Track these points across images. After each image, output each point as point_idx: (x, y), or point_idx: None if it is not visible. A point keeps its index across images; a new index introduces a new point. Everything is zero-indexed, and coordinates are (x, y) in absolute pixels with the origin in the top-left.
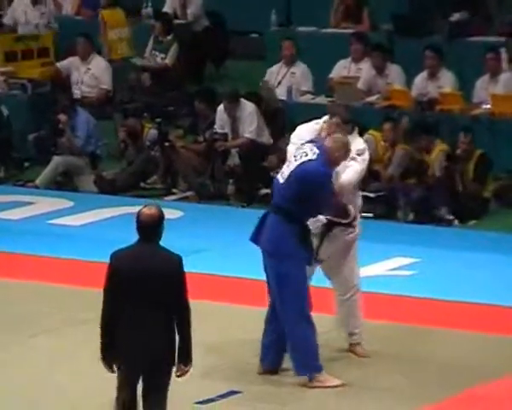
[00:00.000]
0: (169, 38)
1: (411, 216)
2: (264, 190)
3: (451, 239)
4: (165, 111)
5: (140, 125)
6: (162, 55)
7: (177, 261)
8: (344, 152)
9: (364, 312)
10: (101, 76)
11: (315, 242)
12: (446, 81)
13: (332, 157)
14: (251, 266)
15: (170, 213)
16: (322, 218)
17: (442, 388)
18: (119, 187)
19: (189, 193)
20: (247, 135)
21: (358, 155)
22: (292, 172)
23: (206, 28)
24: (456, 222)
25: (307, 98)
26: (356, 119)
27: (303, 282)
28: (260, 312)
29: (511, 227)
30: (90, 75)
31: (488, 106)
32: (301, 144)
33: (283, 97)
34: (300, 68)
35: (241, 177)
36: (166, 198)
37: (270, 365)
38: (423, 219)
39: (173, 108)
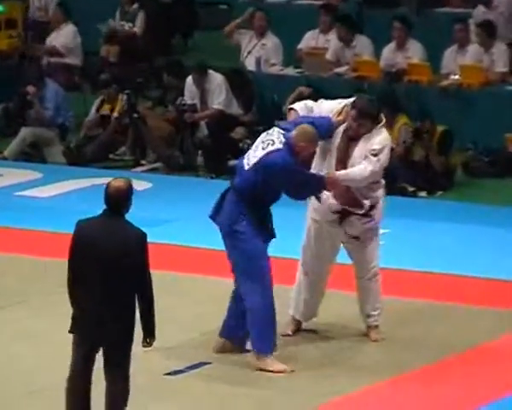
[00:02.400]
0: (134, 6)
1: None
2: (233, 162)
3: (419, 210)
4: (134, 83)
5: (108, 97)
6: (130, 25)
7: (140, 236)
8: (309, 143)
9: (334, 283)
10: (71, 46)
11: (329, 228)
12: (414, 52)
13: (296, 147)
14: (219, 237)
15: (138, 185)
16: (333, 205)
17: (413, 358)
18: (87, 158)
19: (157, 164)
20: (216, 106)
21: (373, 155)
22: (258, 161)
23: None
24: (423, 194)
25: (276, 69)
26: (324, 89)
27: (260, 257)
28: (229, 284)
29: (477, 198)
30: (62, 44)
31: (456, 77)
32: (272, 129)
33: (252, 68)
34: (271, 41)
35: (210, 148)
36: (135, 169)
37: (231, 340)
38: (390, 192)
39: (142, 80)
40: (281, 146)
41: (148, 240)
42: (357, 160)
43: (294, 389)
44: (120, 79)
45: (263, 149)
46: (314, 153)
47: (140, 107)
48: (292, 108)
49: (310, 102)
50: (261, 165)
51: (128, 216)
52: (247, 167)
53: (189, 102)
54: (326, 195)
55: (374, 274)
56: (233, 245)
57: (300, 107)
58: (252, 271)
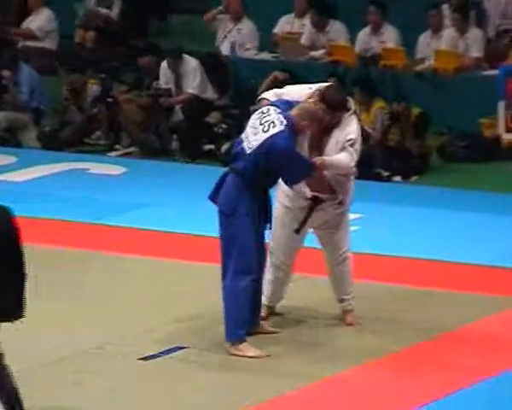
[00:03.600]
0: None
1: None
2: (208, 146)
3: (393, 195)
4: (109, 66)
5: (83, 81)
6: (106, 11)
7: (5, 214)
8: (310, 121)
9: (308, 267)
10: (47, 29)
11: (300, 215)
12: (389, 36)
13: (299, 126)
14: (195, 221)
15: (113, 169)
16: (307, 192)
17: (387, 344)
18: (62, 143)
19: (132, 149)
20: (191, 90)
21: (351, 145)
22: (261, 144)
23: None
24: (397, 178)
25: (251, 54)
26: (299, 74)
27: (249, 248)
28: (205, 267)
29: (453, 182)
30: (37, 28)
31: (431, 62)
32: (267, 108)
33: (227, 53)
34: (247, 26)
35: (185, 132)
36: (110, 154)
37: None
38: (365, 176)
39: (117, 64)
40: (282, 127)
41: (123, 224)
42: (333, 148)
43: (270, 373)
44: (95, 62)
45: (264, 131)
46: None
47: (115, 91)
48: (263, 98)
49: (279, 90)
50: (265, 148)
51: (103, 200)
52: (249, 151)
53: (163, 86)
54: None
55: (344, 258)
56: (227, 227)
57: (270, 95)
58: (237, 258)
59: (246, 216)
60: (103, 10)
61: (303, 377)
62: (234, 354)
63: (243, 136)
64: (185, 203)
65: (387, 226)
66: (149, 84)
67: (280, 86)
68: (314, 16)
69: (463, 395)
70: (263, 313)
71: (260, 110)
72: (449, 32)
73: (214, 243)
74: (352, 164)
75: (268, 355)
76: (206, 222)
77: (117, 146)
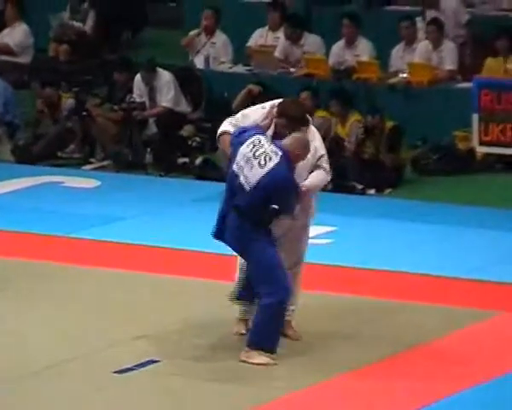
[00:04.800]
0: (85, 6)
1: (329, 186)
2: (182, 159)
3: (367, 208)
4: (83, 80)
5: (57, 95)
6: (80, 24)
7: None
8: (304, 151)
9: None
10: (25, 45)
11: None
12: (363, 50)
13: (293, 156)
14: (168, 234)
15: (87, 183)
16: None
17: (360, 356)
18: (36, 157)
19: (106, 162)
20: (165, 104)
21: (322, 161)
22: (259, 180)
23: None
24: (371, 191)
25: (225, 67)
26: (273, 87)
27: (276, 265)
28: (180, 281)
29: (427, 195)
30: (15, 43)
31: (405, 74)
32: (257, 139)
33: (201, 66)
34: (221, 39)
35: (159, 146)
36: (84, 167)
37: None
38: (339, 189)
39: (90, 77)
40: (278, 159)
41: (97, 238)
42: (304, 167)
43: (247, 384)
44: (69, 76)
45: (260, 165)
46: None
47: (88, 104)
48: (224, 133)
49: (233, 119)
50: (265, 184)
51: (77, 214)
52: (248, 188)
53: (137, 99)
54: None
55: (298, 269)
56: (248, 259)
57: (229, 127)
58: (269, 279)
59: (259, 245)
60: (77, 24)
61: (275, 389)
62: (241, 360)
63: (236, 168)
64: (159, 217)
65: (361, 239)
66: (123, 98)
67: (254, 99)
68: (288, 29)
69: (449, 403)
70: (242, 329)
71: (250, 141)
72: (423, 45)
73: (187, 257)
74: (329, 178)
75: (275, 363)
76: (180, 235)
77: (91, 159)
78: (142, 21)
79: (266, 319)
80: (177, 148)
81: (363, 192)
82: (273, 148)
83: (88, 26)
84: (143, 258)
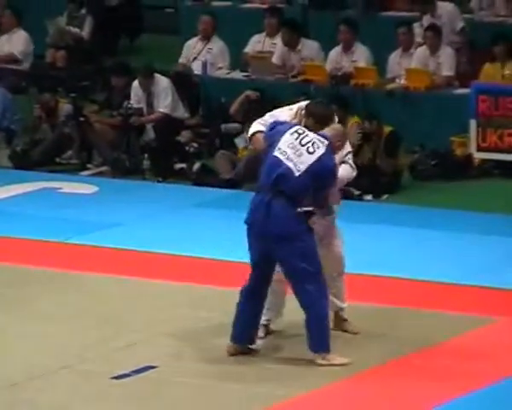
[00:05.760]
0: (82, 12)
1: None
2: (180, 165)
3: (364, 213)
4: (80, 86)
5: (55, 101)
6: (77, 30)
7: None
8: (343, 140)
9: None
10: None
11: None
12: (361, 55)
13: (334, 146)
14: (166, 240)
15: (85, 188)
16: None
17: (363, 360)
18: (33, 162)
19: (104, 168)
20: (162, 110)
21: (349, 158)
22: (310, 165)
23: (120, 2)
24: (368, 197)
25: (222, 73)
26: (270, 93)
27: (317, 256)
28: (178, 287)
29: (424, 201)
30: (19, 52)
31: (402, 80)
32: (301, 129)
33: (198, 72)
34: (217, 45)
35: (157, 151)
36: (81, 173)
37: (246, 342)
38: None
39: (88, 83)
40: (325, 148)
41: (95, 243)
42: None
43: (249, 387)
44: (66, 82)
45: (309, 152)
46: None
47: (86, 110)
48: (257, 132)
49: (262, 120)
50: (316, 169)
51: (74, 220)
52: (297, 173)
53: (135, 105)
54: None
55: (343, 269)
56: (292, 249)
57: (260, 126)
58: (316, 271)
59: (306, 233)
60: (74, 29)
61: (271, 397)
62: (322, 365)
63: (280, 155)
64: (156, 222)
65: (359, 245)
66: (120, 104)
67: (252, 105)
68: (285, 35)
69: (449, 408)
70: (261, 332)
71: (294, 130)
72: (420, 51)
73: (185, 263)
74: (354, 174)
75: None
76: (178, 241)
77: (89, 165)
78: (140, 27)
79: (323, 318)
80: (175, 153)
81: (360, 198)
82: (318, 137)
83: (85, 31)
84: (140, 264)
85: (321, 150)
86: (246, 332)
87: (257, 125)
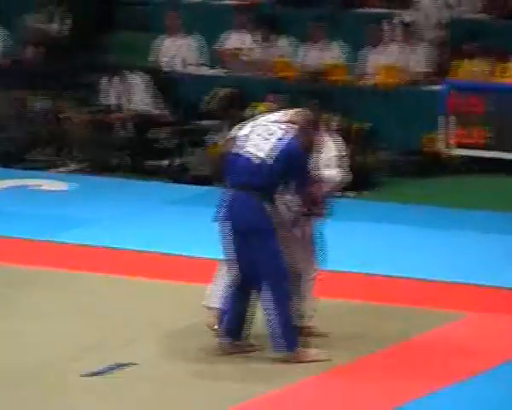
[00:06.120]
0: (58, 8)
1: None
2: (154, 162)
3: (338, 211)
4: (56, 82)
5: (30, 97)
6: (53, 27)
7: None
8: (311, 126)
9: None
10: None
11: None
12: (332, 52)
13: (301, 130)
14: (142, 237)
15: (61, 185)
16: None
17: (334, 356)
18: (9, 159)
19: (80, 165)
20: (138, 107)
21: (335, 161)
22: (279, 153)
23: None
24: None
25: (195, 69)
26: (247, 90)
27: (282, 254)
28: (153, 284)
29: (394, 197)
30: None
31: (374, 77)
32: (263, 118)
33: (173, 68)
34: (191, 41)
35: (133, 148)
36: (57, 170)
37: (232, 343)
38: None
39: (64, 80)
40: (290, 131)
41: (71, 241)
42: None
43: (222, 385)
44: (41, 77)
45: (276, 139)
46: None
47: (62, 107)
48: (231, 138)
49: (241, 124)
50: (284, 152)
51: (50, 217)
52: (268, 162)
53: (112, 102)
54: None
55: (315, 273)
56: (258, 244)
57: (234, 131)
58: (283, 270)
59: (274, 229)
60: (50, 26)
61: (242, 396)
62: (300, 361)
63: (238, 150)
64: (133, 219)
65: (330, 241)
66: (97, 101)
67: (226, 102)
68: (259, 31)
69: (420, 402)
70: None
71: (249, 124)
72: (392, 47)
73: (161, 260)
74: (339, 179)
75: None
76: (154, 238)
77: (66, 162)
78: (117, 24)
79: (290, 317)
80: (150, 150)
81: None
82: (283, 124)
83: (61, 28)
84: (117, 261)
85: (287, 136)
86: (235, 328)
87: (234, 130)
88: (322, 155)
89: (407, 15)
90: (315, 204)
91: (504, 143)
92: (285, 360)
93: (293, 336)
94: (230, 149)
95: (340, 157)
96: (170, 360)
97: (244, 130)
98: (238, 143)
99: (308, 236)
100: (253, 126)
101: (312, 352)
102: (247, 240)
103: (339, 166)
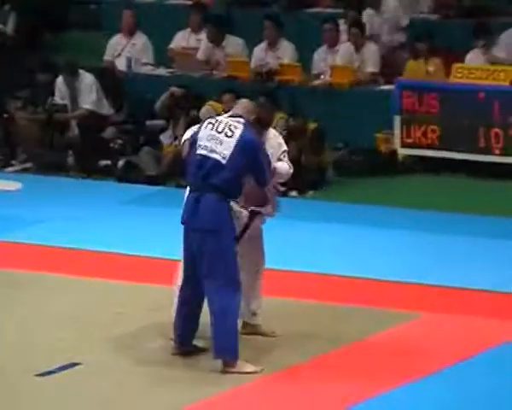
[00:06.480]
0: (6, 7)
1: None
2: (104, 161)
3: (289, 210)
4: (4, 82)
5: None
6: (0, 26)
7: None
8: (255, 116)
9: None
10: None
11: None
12: (285, 52)
13: (251, 122)
14: (91, 237)
15: (9, 185)
16: (245, 212)
17: (283, 357)
18: None
19: (28, 164)
20: (87, 106)
21: (285, 156)
22: (234, 149)
23: None
24: (293, 193)
25: (147, 69)
26: (196, 89)
27: (236, 261)
28: (103, 283)
29: (349, 197)
30: None
31: (327, 77)
32: (214, 119)
33: (123, 68)
34: (141, 40)
35: (81, 148)
36: (5, 170)
37: (187, 345)
38: None
39: (12, 79)
40: (243, 126)
41: (18, 240)
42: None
43: (174, 386)
44: None
45: (228, 136)
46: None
47: (10, 106)
48: (186, 140)
49: (195, 127)
50: (241, 148)
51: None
52: (224, 162)
53: (59, 101)
54: None
55: (263, 270)
56: (213, 244)
57: (189, 134)
58: (231, 274)
59: (232, 231)
60: None
61: (192, 397)
62: (230, 372)
63: (203, 151)
64: (81, 219)
65: (282, 241)
66: (45, 100)
67: (177, 102)
68: (210, 31)
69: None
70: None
71: (207, 122)
72: (345, 47)
73: (110, 259)
74: (291, 171)
75: (263, 369)
76: (102, 238)
77: (13, 162)
78: (64, 23)
79: (233, 324)
80: (99, 150)
81: (284, 194)
82: (232, 119)
83: (9, 28)
84: (65, 260)
85: (239, 130)
86: (186, 333)
87: (187, 133)
88: (275, 149)
89: (360, 16)
90: (265, 203)
91: (456, 143)
92: (221, 369)
93: (234, 345)
94: (187, 150)
95: (287, 152)
96: (123, 361)
97: (200, 130)
98: (194, 143)
99: (258, 233)
100: (208, 126)
101: (247, 366)
102: (203, 241)
103: (287, 160)
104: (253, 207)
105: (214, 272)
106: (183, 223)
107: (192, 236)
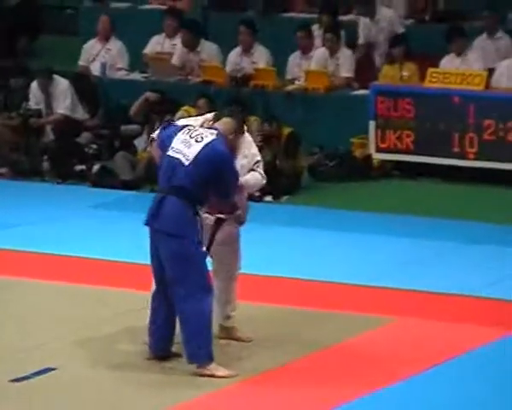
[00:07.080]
0: None
1: None
2: (79, 166)
3: (264, 215)
4: None
5: None
6: None
7: None
8: (234, 135)
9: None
10: None
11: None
12: (260, 57)
13: (227, 140)
14: (65, 242)
15: None
16: (210, 217)
17: (261, 361)
18: None
19: (2, 170)
20: (61, 111)
21: (258, 166)
22: (198, 154)
23: (19, 2)
24: (268, 198)
25: (122, 74)
26: (171, 94)
27: (203, 263)
28: (78, 288)
29: (323, 202)
30: None
31: (301, 82)
32: (191, 126)
33: (97, 73)
34: (116, 45)
35: (56, 153)
36: None
37: (163, 351)
38: None
39: None
40: (215, 136)
41: None
42: (240, 170)
43: (153, 388)
44: None
45: (198, 141)
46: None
47: None
48: (153, 139)
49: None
50: (205, 155)
51: None
52: (186, 163)
53: (34, 106)
54: None
55: (236, 276)
56: (177, 248)
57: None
58: (195, 278)
59: (195, 236)
60: None
61: (182, 396)
62: (203, 375)
63: (172, 152)
64: (56, 224)
65: (258, 246)
66: (19, 105)
67: (151, 107)
68: (185, 36)
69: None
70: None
71: (185, 128)
72: (319, 52)
73: (85, 264)
74: (264, 182)
75: (237, 374)
76: (77, 243)
77: None
78: (39, 28)
79: (203, 326)
80: (74, 155)
81: (260, 199)
82: (208, 129)
83: None
84: (39, 265)
85: (209, 138)
86: (161, 340)
87: (156, 132)
88: (248, 159)
89: (368, 22)
90: (234, 209)
91: (431, 148)
92: (194, 373)
93: (208, 348)
94: (159, 153)
95: (262, 162)
96: (99, 365)
97: (182, 133)
98: (166, 147)
99: (233, 238)
100: (185, 131)
101: (221, 370)
102: (166, 245)
103: (262, 171)
104: (219, 215)
105: (180, 277)
106: (146, 224)
107: (154, 237)
